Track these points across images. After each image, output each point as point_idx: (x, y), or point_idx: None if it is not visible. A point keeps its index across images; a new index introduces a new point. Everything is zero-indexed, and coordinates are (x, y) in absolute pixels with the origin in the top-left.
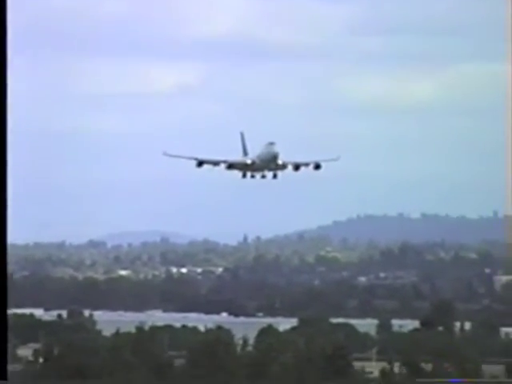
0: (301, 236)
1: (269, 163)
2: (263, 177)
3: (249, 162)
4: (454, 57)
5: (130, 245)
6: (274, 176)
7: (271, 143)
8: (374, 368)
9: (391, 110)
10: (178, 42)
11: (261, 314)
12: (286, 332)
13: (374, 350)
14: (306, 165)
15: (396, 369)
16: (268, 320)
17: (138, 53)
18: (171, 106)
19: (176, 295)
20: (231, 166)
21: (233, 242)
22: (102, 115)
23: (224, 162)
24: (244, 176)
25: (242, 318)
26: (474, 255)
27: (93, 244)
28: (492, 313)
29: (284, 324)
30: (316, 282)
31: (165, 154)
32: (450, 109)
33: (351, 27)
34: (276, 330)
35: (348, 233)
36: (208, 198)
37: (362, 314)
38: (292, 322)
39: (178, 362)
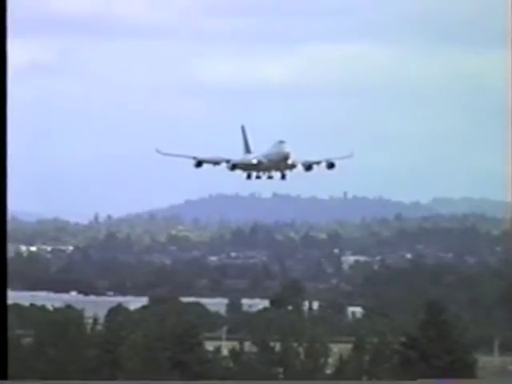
0: (152, 215)
1: (278, 163)
2: (270, 177)
3: (254, 162)
4: (307, 37)
5: None
6: (283, 177)
7: (281, 141)
8: (223, 347)
9: (241, 92)
10: (31, 18)
11: (111, 293)
12: (137, 311)
13: (224, 329)
14: (318, 163)
15: (246, 348)
16: (118, 299)
17: None
18: (23, 83)
19: (24, 274)
20: (235, 167)
21: (84, 220)
22: None
23: (227, 161)
24: (249, 177)
25: (92, 297)
26: (323, 235)
27: None
28: (339, 292)
29: (134, 303)
30: (167, 261)
31: (157, 151)
32: (300, 90)
33: (205, 7)
34: (126, 309)
35: (200, 212)
36: (58, 175)
37: (213, 293)
38: (142, 301)
39: (26, 341)
